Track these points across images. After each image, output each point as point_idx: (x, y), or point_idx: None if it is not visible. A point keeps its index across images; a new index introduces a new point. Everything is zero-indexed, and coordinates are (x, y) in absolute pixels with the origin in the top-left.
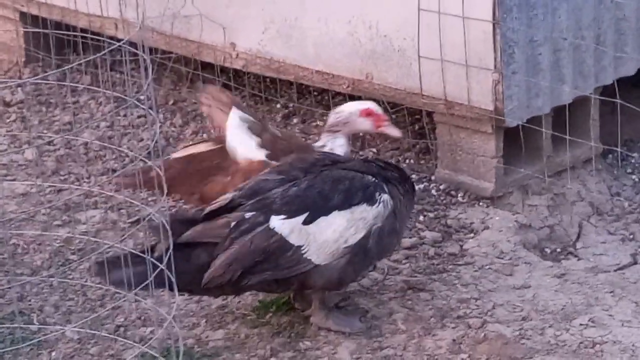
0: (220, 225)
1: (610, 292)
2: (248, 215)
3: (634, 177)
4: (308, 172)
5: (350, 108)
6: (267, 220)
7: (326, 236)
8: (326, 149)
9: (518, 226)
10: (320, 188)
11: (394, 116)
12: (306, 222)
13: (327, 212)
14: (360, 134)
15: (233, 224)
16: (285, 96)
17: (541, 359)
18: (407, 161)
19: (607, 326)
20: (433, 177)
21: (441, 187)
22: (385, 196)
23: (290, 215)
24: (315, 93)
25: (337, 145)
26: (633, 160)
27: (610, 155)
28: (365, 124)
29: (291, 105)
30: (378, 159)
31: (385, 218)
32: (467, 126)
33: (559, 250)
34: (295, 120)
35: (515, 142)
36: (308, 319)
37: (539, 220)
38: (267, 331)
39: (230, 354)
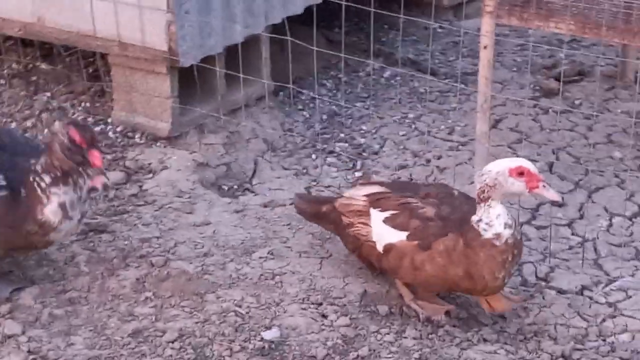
0: None
1: (287, 224)
2: None
3: (304, 113)
4: None
5: (497, 167)
6: None
7: None
8: (482, 225)
9: (196, 165)
10: None
11: (67, 59)
12: None
13: None
14: None
15: None
16: None
17: (224, 293)
18: (83, 104)
19: (285, 258)
20: (110, 120)
21: (118, 129)
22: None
23: None
24: None
25: (493, 217)
26: (303, 97)
27: (281, 93)
28: (517, 186)
29: None
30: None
31: None
32: (142, 67)
33: (236, 187)
34: None
35: (190, 82)
36: None
37: (215, 158)
38: None
39: None
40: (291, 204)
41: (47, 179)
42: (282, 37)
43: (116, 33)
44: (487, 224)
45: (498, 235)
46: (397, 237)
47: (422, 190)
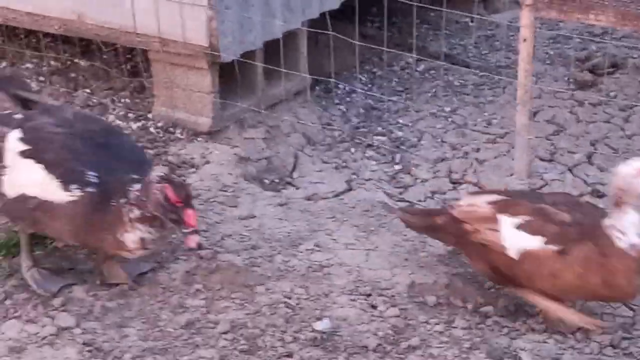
0: None
1: (332, 217)
2: (18, 115)
3: (341, 107)
4: (74, 127)
5: (625, 169)
6: (16, 127)
7: (21, 176)
8: (615, 232)
9: (237, 159)
10: (57, 142)
11: (104, 56)
12: (22, 153)
13: (37, 160)
14: None
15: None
16: None
17: (273, 285)
18: (123, 100)
19: (332, 250)
20: (150, 115)
21: (159, 124)
22: (78, 192)
23: (23, 139)
24: (23, 35)
25: (627, 224)
26: (339, 92)
27: (317, 88)
28: None
29: None
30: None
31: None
32: (183, 63)
33: (277, 180)
34: (4, 64)
35: (230, 77)
36: (41, 259)
37: (256, 152)
38: (0, 274)
39: None
40: (335, 196)
41: (137, 212)
42: (323, 31)
43: (157, 29)
44: (620, 231)
45: (633, 246)
46: (533, 242)
47: (547, 198)
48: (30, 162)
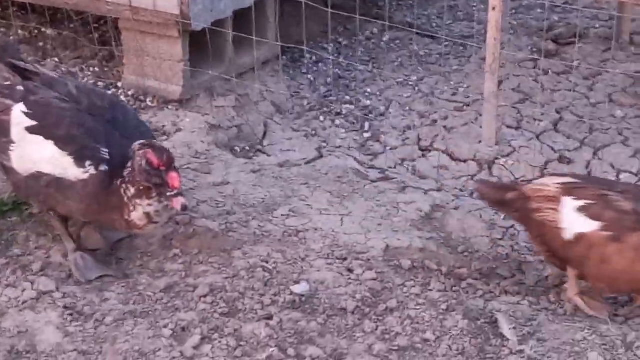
0: None
1: (305, 183)
2: (20, 87)
3: (309, 76)
4: (80, 103)
5: None
6: (20, 101)
7: (31, 152)
8: None
9: (208, 127)
10: (67, 118)
11: (72, 25)
12: (29, 129)
13: (47, 136)
14: None
15: (6, 83)
16: None
17: (249, 249)
18: (92, 69)
19: (306, 215)
20: (120, 84)
21: (129, 92)
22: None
23: (29, 114)
24: None
25: None
26: (306, 61)
27: (284, 57)
28: None
29: None
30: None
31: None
32: (153, 31)
33: (248, 148)
34: None
35: (200, 45)
36: (18, 225)
37: (227, 120)
38: None
39: None
40: (306, 163)
41: (133, 190)
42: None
43: None
44: None
45: None
46: (589, 226)
47: (619, 187)
48: (39, 139)
